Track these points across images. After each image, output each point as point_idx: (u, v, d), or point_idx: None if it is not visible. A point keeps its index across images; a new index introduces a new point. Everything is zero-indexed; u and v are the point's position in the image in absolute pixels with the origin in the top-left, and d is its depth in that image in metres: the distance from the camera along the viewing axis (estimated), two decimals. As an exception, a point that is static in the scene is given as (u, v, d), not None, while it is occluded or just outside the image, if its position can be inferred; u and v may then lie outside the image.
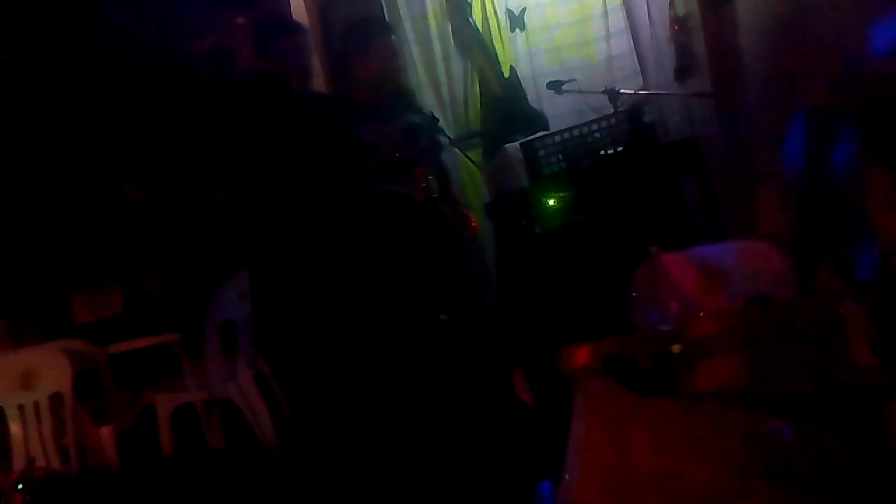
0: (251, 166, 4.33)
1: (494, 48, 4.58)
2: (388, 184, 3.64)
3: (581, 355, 2.02)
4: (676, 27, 4.08)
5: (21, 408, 3.14)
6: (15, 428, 3.14)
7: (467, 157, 4.16)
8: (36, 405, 3.14)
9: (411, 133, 3.70)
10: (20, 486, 2.73)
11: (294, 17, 4.29)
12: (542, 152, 3.71)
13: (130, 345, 3.51)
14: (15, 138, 4.19)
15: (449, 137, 4.06)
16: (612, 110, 3.75)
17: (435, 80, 4.56)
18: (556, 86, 3.94)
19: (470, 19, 4.55)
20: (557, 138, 3.73)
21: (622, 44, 4.50)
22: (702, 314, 2.04)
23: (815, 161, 3.10)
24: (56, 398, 3.15)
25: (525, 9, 4.63)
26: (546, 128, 4.24)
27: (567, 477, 1.51)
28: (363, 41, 3.79)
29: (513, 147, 4.02)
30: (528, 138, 3.85)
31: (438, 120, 3.97)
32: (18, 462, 3.07)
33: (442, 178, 3.88)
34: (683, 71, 4.00)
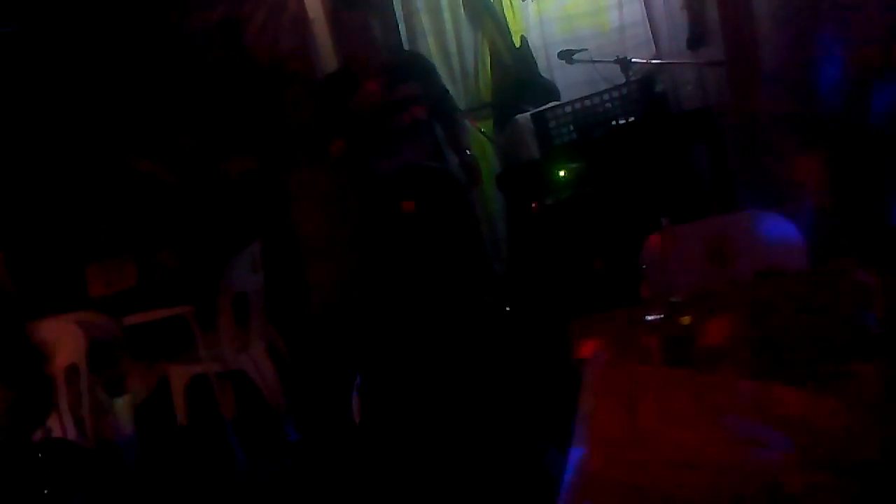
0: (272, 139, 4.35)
1: (505, 17, 4.54)
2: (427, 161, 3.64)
3: (591, 326, 2.02)
4: (689, -6, 4.03)
5: (37, 379, 3.18)
6: (32, 399, 3.17)
7: (478, 128, 4.13)
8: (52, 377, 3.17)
9: (408, 100, 3.67)
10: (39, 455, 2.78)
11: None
12: (553, 123, 3.69)
13: (144, 317, 3.53)
14: (28, 112, 4.20)
15: (459, 109, 4.04)
16: (624, 80, 3.72)
17: (445, 51, 4.52)
18: (567, 55, 3.91)
19: (480, -12, 4.50)
20: (568, 109, 3.71)
21: (634, 12, 4.44)
22: (712, 285, 2.03)
23: (838, 128, 3.07)
24: (72, 370, 3.18)
25: (536, -23, 4.57)
26: (557, 98, 4.21)
27: (576, 448, 1.52)
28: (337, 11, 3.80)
29: (524, 118, 4.00)
30: (539, 109, 3.82)
31: (448, 91, 3.95)
32: (36, 434, 3.12)
33: (450, 129, 3.83)
34: (696, 39, 3.95)
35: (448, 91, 3.94)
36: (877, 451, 1.26)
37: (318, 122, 3.80)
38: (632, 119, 3.60)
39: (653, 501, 1.33)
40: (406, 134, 3.66)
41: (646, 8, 4.42)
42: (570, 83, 4.35)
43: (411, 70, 3.76)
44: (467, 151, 3.80)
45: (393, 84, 3.65)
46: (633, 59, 3.78)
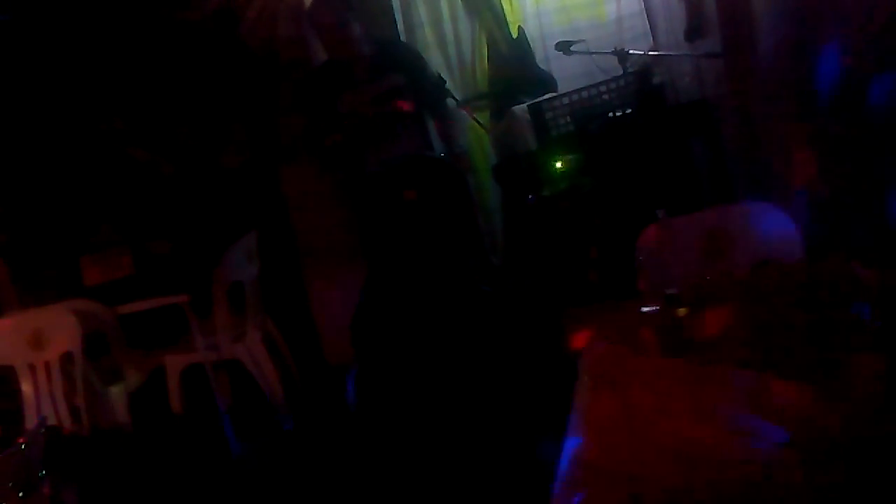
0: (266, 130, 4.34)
1: (502, 8, 4.52)
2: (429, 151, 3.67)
3: (587, 318, 2.03)
4: (687, -14, 4.02)
5: (32, 367, 3.18)
6: (26, 387, 3.18)
7: (475, 118, 4.13)
8: (47, 365, 3.17)
9: (392, 93, 3.69)
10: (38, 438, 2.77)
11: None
12: (549, 114, 3.68)
13: (140, 306, 3.53)
14: (23, 101, 4.18)
15: (456, 99, 4.03)
16: (622, 71, 3.71)
17: (442, 41, 4.51)
18: (564, 46, 3.89)
19: (478, -22, 4.49)
20: (566, 100, 3.70)
21: (632, 3, 4.43)
22: (708, 277, 2.04)
23: (836, 120, 3.06)
24: (67, 358, 3.18)
25: (534, -33, 4.56)
26: (554, 89, 4.21)
27: (571, 438, 1.53)
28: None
29: (520, 109, 3.99)
30: (536, 100, 3.81)
31: (445, 82, 3.94)
32: (30, 421, 3.12)
33: (439, 119, 3.85)
34: (694, 31, 3.94)
35: (442, 81, 3.93)
36: (872, 443, 1.27)
37: (312, 116, 3.81)
38: (629, 111, 3.59)
39: (647, 491, 1.34)
40: (394, 126, 3.67)
41: (643, -1, 4.41)
42: (568, 74, 4.34)
43: (396, 62, 3.77)
44: (457, 143, 3.82)
45: (376, 77, 3.67)
46: (631, 51, 3.78)
